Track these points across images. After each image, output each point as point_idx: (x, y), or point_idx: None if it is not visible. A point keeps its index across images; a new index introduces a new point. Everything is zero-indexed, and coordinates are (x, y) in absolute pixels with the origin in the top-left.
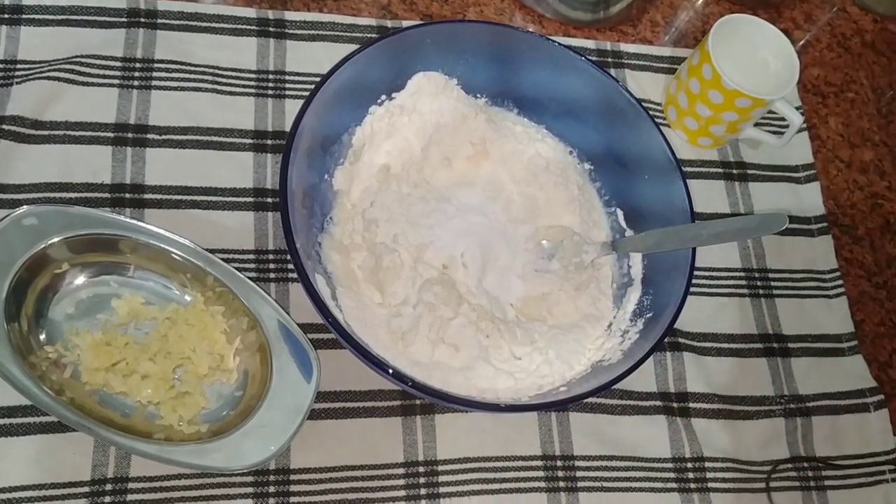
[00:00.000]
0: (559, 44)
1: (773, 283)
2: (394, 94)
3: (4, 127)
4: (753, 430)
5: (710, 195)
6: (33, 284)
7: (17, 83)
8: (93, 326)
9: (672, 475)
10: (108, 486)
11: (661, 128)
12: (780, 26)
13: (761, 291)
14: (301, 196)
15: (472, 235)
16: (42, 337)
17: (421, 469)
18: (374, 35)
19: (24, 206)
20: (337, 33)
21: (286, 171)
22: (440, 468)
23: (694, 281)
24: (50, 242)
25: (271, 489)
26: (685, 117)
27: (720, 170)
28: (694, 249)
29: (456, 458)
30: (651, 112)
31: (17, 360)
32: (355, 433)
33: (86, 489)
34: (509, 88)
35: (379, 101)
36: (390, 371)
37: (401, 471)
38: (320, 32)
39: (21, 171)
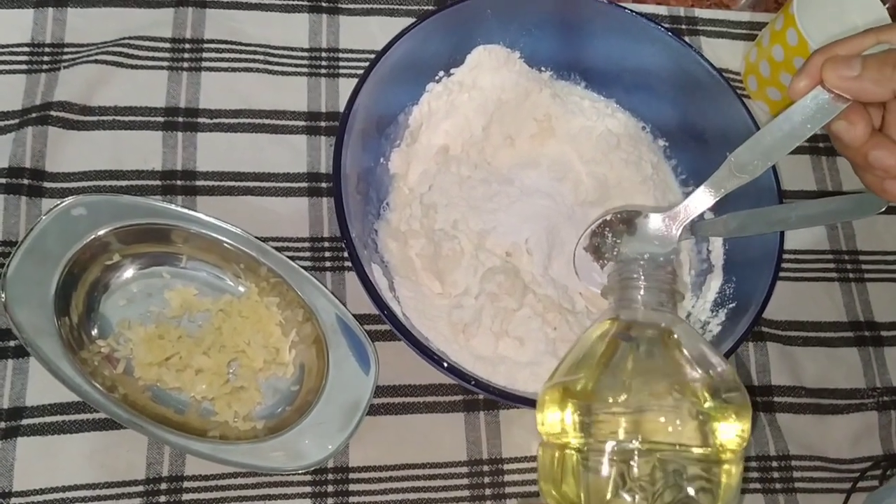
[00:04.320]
0: (630, 10)
1: (864, 266)
2: (452, 70)
3: (52, 113)
4: (844, 426)
5: (794, 170)
6: (84, 277)
7: (64, 67)
8: (145, 319)
9: (756, 475)
10: (164, 485)
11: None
12: None
13: (851, 275)
14: (355, 181)
15: (538, 220)
16: (94, 332)
17: (485, 468)
18: (430, 7)
19: (73, 197)
20: (392, 6)
21: (340, 155)
22: (506, 467)
23: None
24: (100, 233)
25: (329, 488)
26: (767, 87)
27: (806, 143)
28: (782, 233)
29: (522, 457)
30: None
31: (69, 355)
32: (416, 429)
33: (140, 488)
34: (576, 60)
35: (436, 77)
36: (445, 365)
37: (464, 469)
38: (374, 6)
39: (70, 158)
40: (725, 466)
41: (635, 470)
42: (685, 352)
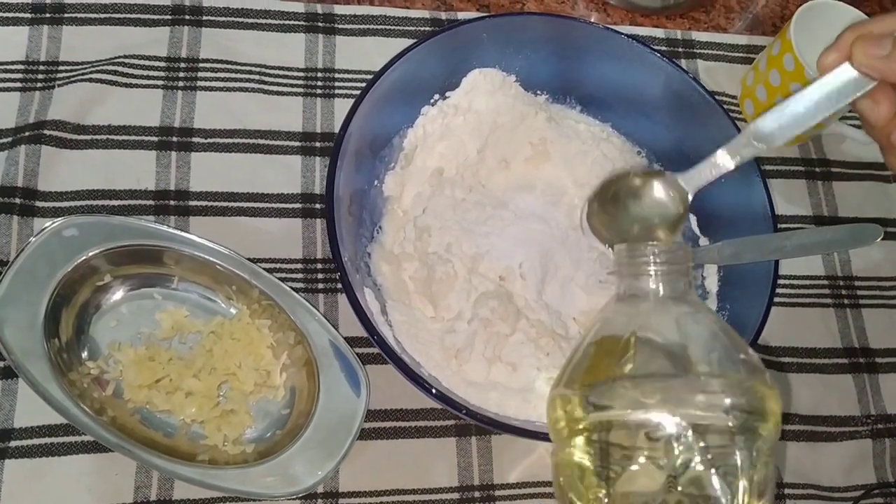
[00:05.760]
0: (625, 35)
1: (859, 292)
2: (448, 93)
3: (46, 132)
4: (837, 453)
5: (790, 195)
6: (74, 298)
7: (58, 86)
8: (136, 341)
9: None
10: None
11: (738, 123)
12: (866, 11)
13: (846, 301)
14: (349, 203)
15: (531, 244)
16: (84, 353)
17: (476, 494)
18: (427, 29)
19: (64, 217)
20: (389, 27)
21: (333, 178)
22: (497, 493)
23: None
24: (91, 254)
25: None
26: (764, 112)
27: (802, 168)
28: (777, 261)
29: (514, 483)
30: (726, 106)
31: (57, 377)
32: (407, 454)
33: None
34: (572, 84)
35: (432, 100)
36: (434, 391)
37: (455, 496)
38: (371, 27)
39: (63, 177)
40: (745, 452)
41: (657, 451)
42: (701, 335)
